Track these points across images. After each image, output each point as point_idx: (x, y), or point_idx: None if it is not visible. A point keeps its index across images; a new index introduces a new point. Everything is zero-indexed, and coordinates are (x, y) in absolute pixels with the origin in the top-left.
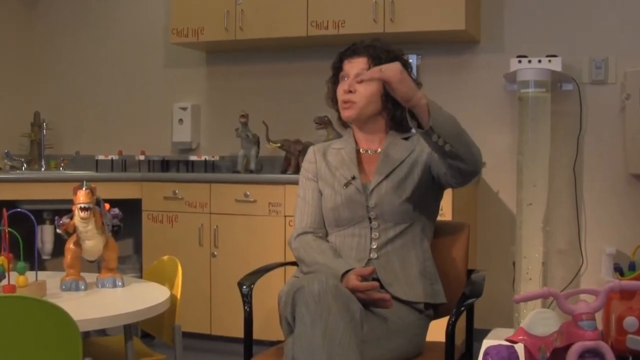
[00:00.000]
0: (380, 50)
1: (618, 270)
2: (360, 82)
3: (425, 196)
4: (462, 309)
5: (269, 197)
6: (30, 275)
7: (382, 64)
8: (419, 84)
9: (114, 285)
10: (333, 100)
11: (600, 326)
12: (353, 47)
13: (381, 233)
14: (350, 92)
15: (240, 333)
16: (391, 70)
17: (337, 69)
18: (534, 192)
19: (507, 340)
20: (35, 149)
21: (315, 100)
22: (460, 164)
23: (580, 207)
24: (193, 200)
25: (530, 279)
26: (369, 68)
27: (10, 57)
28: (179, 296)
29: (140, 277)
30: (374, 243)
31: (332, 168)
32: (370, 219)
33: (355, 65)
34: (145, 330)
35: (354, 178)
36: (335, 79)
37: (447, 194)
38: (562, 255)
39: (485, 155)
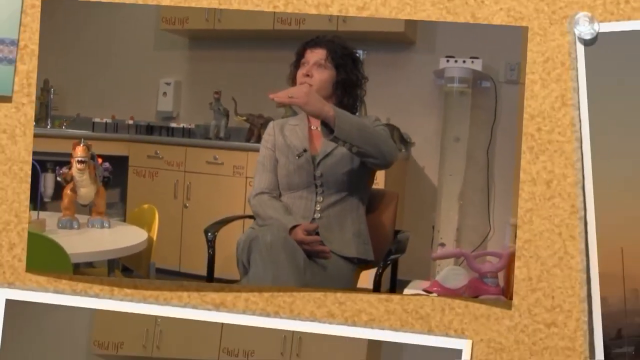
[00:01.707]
0: (337, 45)
1: None
2: (273, 99)
3: (362, 169)
4: (388, 263)
5: (234, 160)
6: (33, 213)
7: (337, 57)
8: (365, 78)
9: (102, 226)
10: (293, 81)
11: (501, 283)
12: (315, 39)
13: (324, 198)
14: (307, 76)
15: (204, 272)
16: (298, 95)
17: (300, 55)
18: (453, 169)
19: (424, 290)
20: (43, 110)
21: (278, 83)
22: (370, 160)
23: (490, 184)
24: (171, 159)
25: (446, 243)
26: (326, 58)
27: None
28: (155, 238)
29: (124, 221)
30: (317, 205)
31: (287, 141)
32: (316, 185)
33: (315, 55)
34: (126, 264)
35: (305, 150)
36: (297, 63)
37: None
38: (473, 223)
39: (416, 136)
